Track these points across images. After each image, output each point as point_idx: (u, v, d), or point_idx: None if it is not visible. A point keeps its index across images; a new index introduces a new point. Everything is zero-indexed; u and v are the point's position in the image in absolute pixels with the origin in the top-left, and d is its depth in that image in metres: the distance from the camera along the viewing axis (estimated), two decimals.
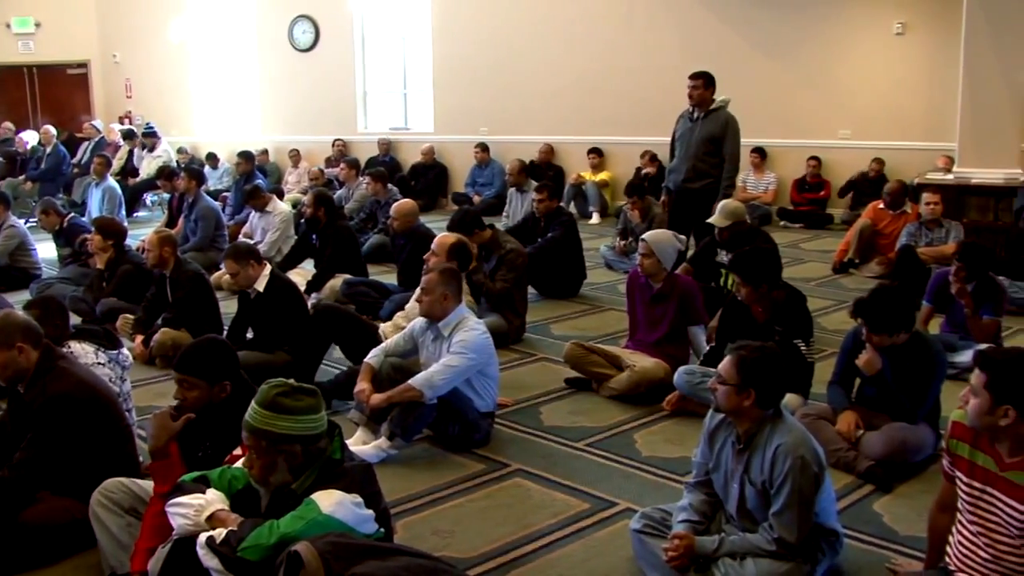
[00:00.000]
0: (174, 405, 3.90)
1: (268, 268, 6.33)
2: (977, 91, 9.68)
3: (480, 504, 4.60)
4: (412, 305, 6.40)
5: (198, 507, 3.23)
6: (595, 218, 13.67)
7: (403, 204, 8.56)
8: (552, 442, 5.38)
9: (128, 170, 15.15)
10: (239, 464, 3.41)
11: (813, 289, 8.70)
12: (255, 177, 12.43)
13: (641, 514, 3.99)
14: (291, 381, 3.27)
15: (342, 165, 13.32)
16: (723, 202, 7.48)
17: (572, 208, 13.24)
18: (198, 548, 3.10)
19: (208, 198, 10.75)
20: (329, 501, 3.09)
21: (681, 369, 5.74)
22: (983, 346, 6.09)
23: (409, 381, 5.06)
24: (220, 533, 3.09)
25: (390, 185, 11.50)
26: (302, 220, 9.53)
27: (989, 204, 9.48)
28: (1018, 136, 9.74)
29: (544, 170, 14.24)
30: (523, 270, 7.44)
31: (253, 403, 3.21)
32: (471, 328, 5.21)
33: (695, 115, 8.37)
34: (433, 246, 6.33)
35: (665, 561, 3.69)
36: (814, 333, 5.63)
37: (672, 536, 3.74)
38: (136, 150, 15.49)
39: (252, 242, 9.03)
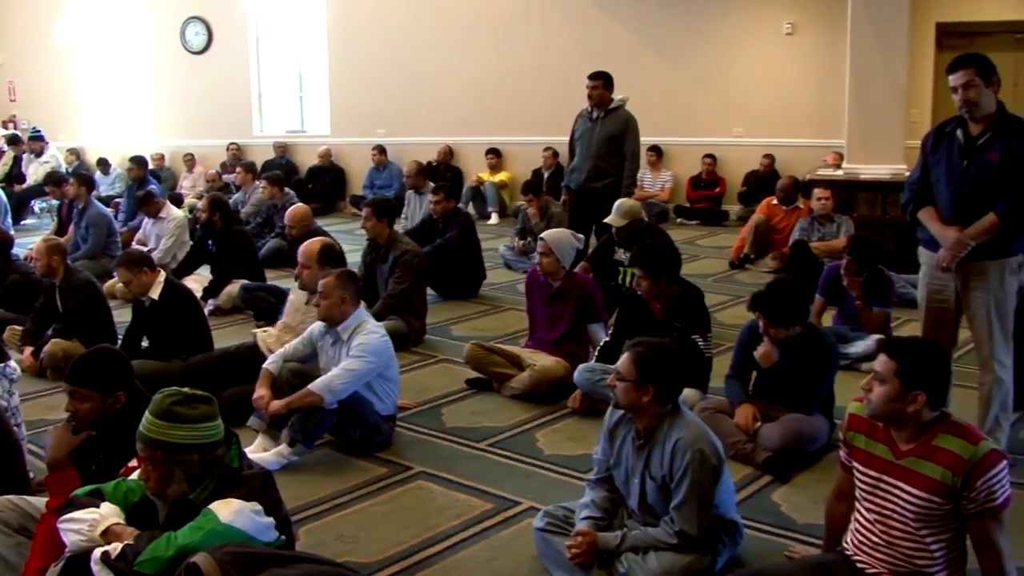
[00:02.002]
0: (69, 418, 3.79)
1: (163, 275, 6.21)
2: (863, 90, 9.93)
3: (383, 508, 4.57)
4: (291, 314, 6.32)
5: (92, 522, 3.14)
6: (494, 218, 13.71)
7: (296, 210, 8.43)
8: (454, 443, 5.38)
9: (14, 176, 14.72)
10: (134, 476, 3.33)
11: (710, 285, 8.85)
12: (148, 182, 12.18)
13: (544, 512, 4.01)
14: (185, 389, 3.20)
15: (238, 169, 13.12)
16: (619, 201, 7.55)
17: (471, 209, 13.25)
18: (92, 564, 3.01)
19: (99, 204, 10.49)
20: (228, 510, 3.04)
21: (581, 367, 5.78)
22: (876, 337, 6.28)
23: (309, 386, 5.00)
24: (115, 548, 3.01)
25: (287, 189, 11.39)
26: (197, 225, 9.37)
27: (877, 199, 9.73)
28: (903, 133, 10.02)
29: (442, 171, 14.24)
30: (420, 271, 7.42)
31: (147, 413, 3.14)
32: (370, 331, 5.17)
33: (595, 115, 8.43)
34: (300, 258, 6.14)
35: (569, 558, 3.71)
36: (711, 328, 5.71)
37: (575, 533, 3.76)
38: (23, 155, 15.05)
39: (146, 249, 8.84)
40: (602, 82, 8.37)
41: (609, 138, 8.32)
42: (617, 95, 8.41)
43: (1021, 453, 5.04)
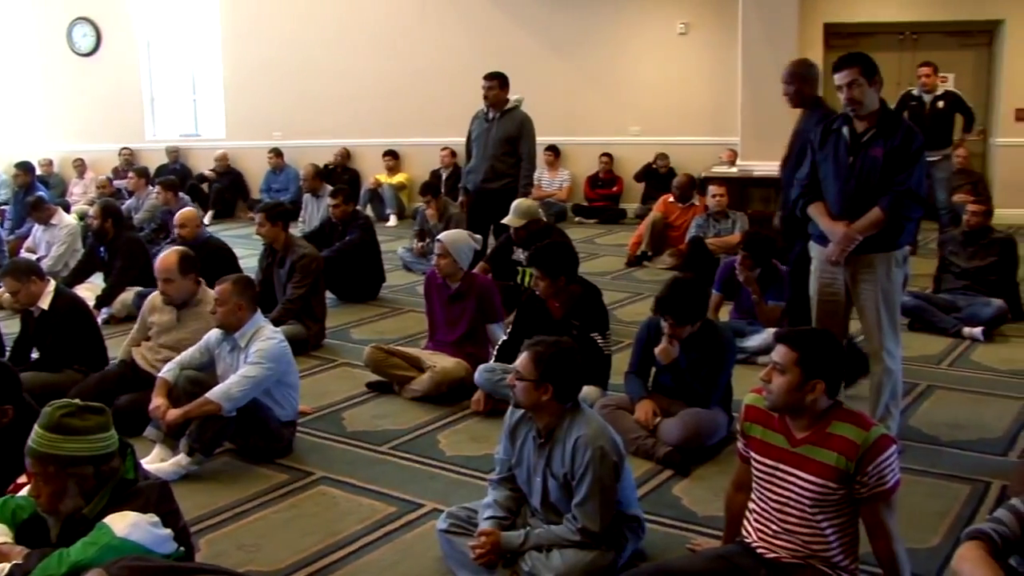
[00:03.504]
0: None
1: (52, 284, 6.03)
2: (755, 88, 10.12)
3: (285, 515, 4.52)
4: (160, 335, 6.14)
5: None
6: (392, 220, 13.64)
7: (185, 212, 8.24)
8: (356, 447, 5.34)
9: None
10: (24, 493, 3.24)
11: (609, 283, 8.93)
12: (35, 189, 11.81)
13: (447, 514, 4.01)
14: (76, 400, 3.13)
15: (130, 174, 12.81)
16: (516, 201, 7.57)
17: (369, 211, 13.17)
18: None
19: None
20: (123, 523, 2.97)
21: (481, 367, 5.79)
22: (772, 330, 6.40)
23: (207, 394, 4.92)
24: (3, 568, 2.92)
25: (181, 194, 11.16)
26: (89, 232, 9.15)
27: (771, 195, 9.90)
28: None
29: (340, 174, 14.16)
30: (318, 275, 7.35)
31: (36, 427, 3.05)
32: (268, 337, 5.10)
33: (491, 115, 8.43)
34: (159, 274, 5.79)
35: (473, 559, 3.72)
36: (610, 326, 5.76)
37: (478, 533, 3.77)
38: None
39: (36, 257, 8.61)
40: (498, 82, 8.38)
41: (505, 139, 8.32)
42: (513, 95, 8.43)
43: (910, 439, 5.20)
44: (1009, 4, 12.46)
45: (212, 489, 4.79)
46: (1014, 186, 12.51)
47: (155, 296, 5.97)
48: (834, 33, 13.01)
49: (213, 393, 4.91)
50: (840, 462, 3.19)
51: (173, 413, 4.92)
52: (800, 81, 6.03)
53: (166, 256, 5.83)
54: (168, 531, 3.08)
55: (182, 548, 3.16)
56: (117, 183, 14.30)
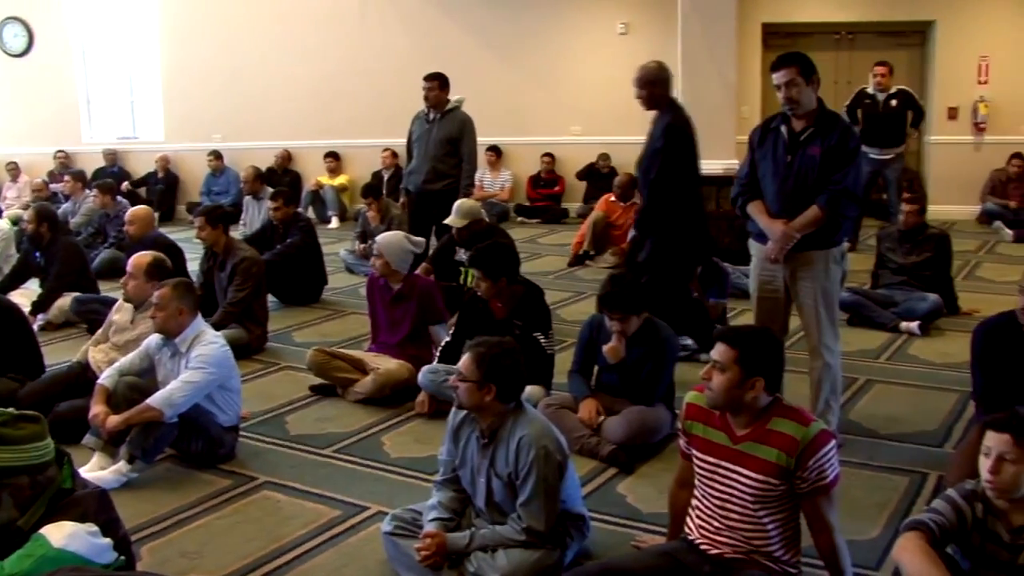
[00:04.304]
0: None
1: None
2: (695, 88, 10.19)
3: (229, 520, 4.47)
4: (117, 334, 6.10)
5: None
6: (334, 222, 13.56)
7: (139, 209, 8.22)
8: (300, 451, 5.30)
9: None
10: None
11: (551, 282, 8.96)
12: None
13: (392, 516, 3.99)
14: (11, 410, 3.06)
15: (67, 178, 12.64)
16: (459, 202, 7.56)
17: (311, 213, 13.09)
18: None
19: None
20: (60, 534, 2.91)
21: (425, 368, 5.78)
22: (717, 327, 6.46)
23: (147, 400, 4.85)
24: None
25: (119, 197, 11.06)
26: (24, 237, 8.99)
27: (712, 193, 9.99)
28: (734, 129, 10.34)
29: (280, 176, 14.04)
30: (260, 278, 7.28)
31: None
32: (210, 342, 5.05)
33: (431, 116, 8.42)
34: (129, 267, 5.93)
35: (418, 561, 3.71)
36: (553, 325, 5.77)
37: (423, 535, 3.76)
38: None
39: None
40: (438, 83, 8.37)
41: (446, 139, 8.32)
42: (454, 96, 8.43)
43: (850, 433, 5.27)
44: (940, 6, 12.73)
45: (154, 496, 4.73)
46: (947, 183, 12.77)
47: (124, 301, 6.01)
48: (772, 33, 13.17)
49: (154, 399, 4.85)
50: (781, 458, 3.23)
51: (113, 420, 4.84)
52: (651, 85, 6.21)
53: (143, 255, 5.96)
54: (107, 540, 3.03)
55: (122, 557, 3.11)
56: (53, 186, 14.05)
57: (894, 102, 10.44)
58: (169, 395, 4.86)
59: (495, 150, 13.66)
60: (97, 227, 10.65)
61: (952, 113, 12.89)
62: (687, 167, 6.19)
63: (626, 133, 13.15)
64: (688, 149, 6.17)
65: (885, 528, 4.19)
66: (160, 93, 15.38)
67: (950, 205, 12.51)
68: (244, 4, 14.62)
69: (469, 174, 8.44)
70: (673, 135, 6.08)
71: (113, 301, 7.88)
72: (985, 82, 12.74)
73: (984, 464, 3.06)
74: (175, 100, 15.18)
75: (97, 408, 4.94)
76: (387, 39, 13.99)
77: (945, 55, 12.80)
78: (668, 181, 6.06)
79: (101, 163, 15.11)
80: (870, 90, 10.54)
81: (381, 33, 14.05)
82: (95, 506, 3.09)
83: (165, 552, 4.16)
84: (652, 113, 6.39)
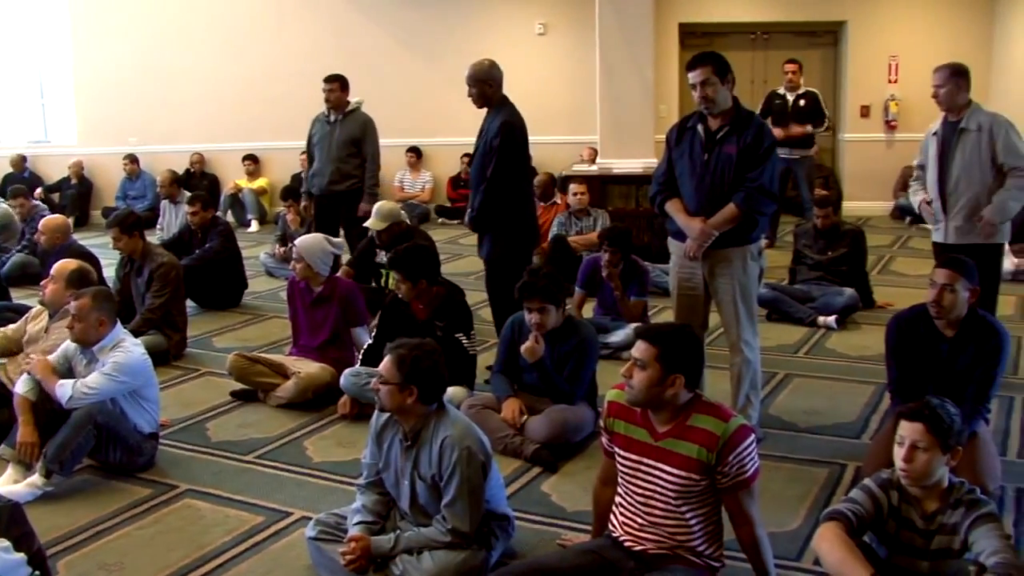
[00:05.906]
0: None
1: None
2: (613, 87, 10.26)
3: (149, 531, 4.39)
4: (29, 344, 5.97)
5: None
6: (254, 226, 13.43)
7: (52, 219, 8.01)
8: (221, 458, 5.23)
9: None
10: None
11: (473, 283, 8.94)
12: None
13: (316, 521, 3.96)
14: None
15: None
16: (378, 204, 7.55)
17: (230, 217, 12.96)
18: None
19: None
20: None
21: (346, 371, 5.74)
22: (635, 325, 6.51)
23: (60, 381, 4.85)
24: None
25: (35, 201, 10.82)
26: None
27: (631, 192, 10.11)
28: (652, 128, 10.42)
29: (198, 179, 13.86)
30: (178, 283, 7.16)
31: None
32: (127, 349, 4.94)
33: (332, 118, 8.48)
34: (53, 271, 5.84)
35: (343, 565, 3.69)
36: (475, 326, 5.77)
37: (348, 539, 3.74)
38: None
39: None
40: (339, 84, 8.45)
41: (349, 140, 8.41)
42: (354, 97, 8.52)
43: (771, 427, 5.35)
44: (852, 6, 13.05)
45: (70, 508, 4.62)
46: (860, 179, 13.08)
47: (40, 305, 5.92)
48: (689, 33, 13.34)
49: (65, 384, 4.83)
50: (701, 454, 3.26)
51: (33, 443, 4.78)
52: (482, 83, 6.28)
53: (68, 261, 5.91)
54: (20, 555, 2.97)
55: (37, 572, 3.05)
56: None
57: (803, 102, 10.65)
58: (74, 392, 4.80)
59: (415, 151, 13.60)
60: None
61: (864, 111, 13.19)
62: (521, 163, 6.27)
63: (545, 133, 13.21)
64: (522, 146, 6.25)
65: (805, 519, 4.26)
66: (72, 95, 15.05)
67: (864, 201, 12.80)
68: (160, 4, 14.37)
69: (373, 174, 8.51)
70: (508, 133, 6.12)
71: (24, 307, 7.75)
72: (895, 81, 13.07)
73: (898, 453, 3.14)
74: (88, 102, 14.85)
75: (26, 434, 4.83)
76: (304, 40, 13.86)
77: (857, 55, 13.12)
78: (505, 177, 6.11)
79: (10, 168, 14.74)
80: (780, 90, 10.79)
81: (299, 34, 13.93)
82: (7, 520, 3.03)
83: (83, 566, 4.07)
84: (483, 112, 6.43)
